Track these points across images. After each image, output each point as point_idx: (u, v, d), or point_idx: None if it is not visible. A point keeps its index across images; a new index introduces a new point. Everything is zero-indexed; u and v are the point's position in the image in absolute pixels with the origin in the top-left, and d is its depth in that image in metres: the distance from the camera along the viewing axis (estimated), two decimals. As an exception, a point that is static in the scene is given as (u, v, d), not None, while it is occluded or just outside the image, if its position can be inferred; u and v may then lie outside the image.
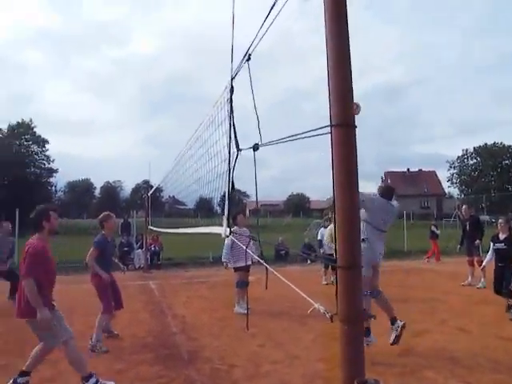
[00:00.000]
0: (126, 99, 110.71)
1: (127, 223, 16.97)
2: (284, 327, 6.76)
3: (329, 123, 1.76)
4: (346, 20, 1.80)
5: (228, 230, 3.38)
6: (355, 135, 1.77)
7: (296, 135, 2.07)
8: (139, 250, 14.94)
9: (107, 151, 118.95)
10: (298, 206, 69.50)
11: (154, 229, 14.67)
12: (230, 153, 3.28)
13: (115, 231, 6.68)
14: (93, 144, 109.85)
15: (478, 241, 10.26)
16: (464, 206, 11.44)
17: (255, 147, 2.74)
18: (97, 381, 4.34)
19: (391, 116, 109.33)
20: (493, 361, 5.06)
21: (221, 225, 3.81)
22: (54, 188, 52.47)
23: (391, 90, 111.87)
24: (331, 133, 1.77)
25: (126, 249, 15.00)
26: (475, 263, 10.12)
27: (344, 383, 1.70)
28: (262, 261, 2.82)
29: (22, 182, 39.49)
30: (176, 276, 13.06)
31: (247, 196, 62.07)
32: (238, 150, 3.16)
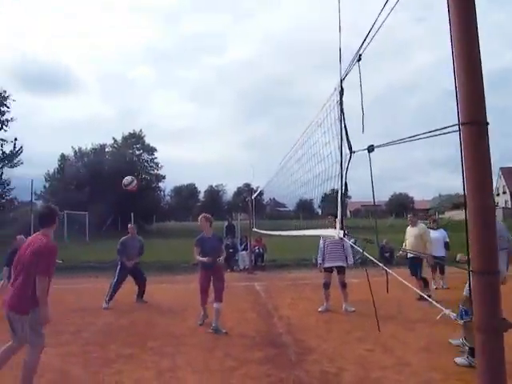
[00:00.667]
0: (226, 105, 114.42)
1: (231, 225, 17.49)
2: (392, 332, 6.51)
3: (456, 121, 1.67)
4: (474, 6, 1.69)
5: (342, 231, 3.32)
6: (488, 133, 1.66)
7: (419, 135, 1.98)
8: (243, 252, 15.31)
9: (210, 156, 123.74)
10: (400, 206, 66.82)
11: (258, 230, 14.94)
12: (341, 155, 3.23)
13: (206, 229, 7.25)
14: (196, 150, 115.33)
15: None
16: None
17: (370, 149, 2.65)
18: None
19: (502, 106, 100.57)
20: None
21: (329, 226, 3.79)
22: (162, 193, 55.77)
23: (505, 77, 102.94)
24: (460, 131, 1.67)
25: (230, 250, 15.47)
26: None
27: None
28: (380, 264, 2.74)
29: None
30: (280, 277, 13.22)
31: (348, 197, 60.98)
32: (351, 152, 3.09)
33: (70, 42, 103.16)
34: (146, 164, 51.07)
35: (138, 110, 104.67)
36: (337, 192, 3.69)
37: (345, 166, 3.16)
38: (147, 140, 51.16)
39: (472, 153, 1.65)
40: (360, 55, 2.73)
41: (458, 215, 37.65)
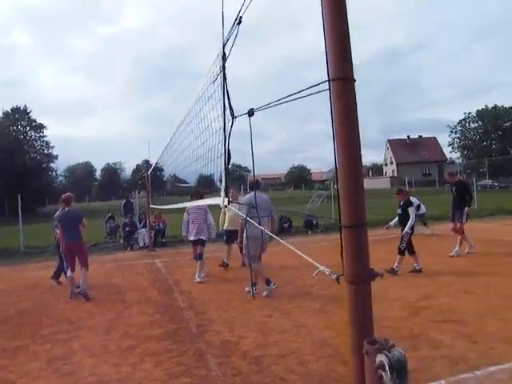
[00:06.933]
0: (119, 77, 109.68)
1: (129, 203, 16.95)
2: (290, 297, 6.80)
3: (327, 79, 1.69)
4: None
5: (226, 200, 3.30)
6: (354, 88, 1.70)
7: (293, 94, 1.99)
8: (143, 229, 14.93)
9: (105, 132, 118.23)
10: (299, 178, 69.62)
11: (155, 206, 14.70)
12: (224, 121, 3.18)
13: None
14: (90, 126, 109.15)
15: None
16: None
17: (250, 112, 2.64)
18: None
19: (392, 82, 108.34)
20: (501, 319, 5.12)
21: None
22: (54, 173, 52.38)
23: (391, 55, 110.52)
24: (330, 88, 1.70)
25: (128, 229, 15.02)
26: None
27: (353, 344, 1.68)
28: (275, 236, 2.77)
29: (21, 169, 39.30)
30: (181, 253, 13.07)
31: (248, 171, 62.13)
32: (233, 117, 3.06)
33: None
34: (34, 143, 47.34)
35: (19, 82, 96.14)
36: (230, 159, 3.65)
37: (227, 132, 3.11)
38: (34, 115, 47.29)
39: (339, 106, 1.70)
40: (241, 17, 2.68)
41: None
